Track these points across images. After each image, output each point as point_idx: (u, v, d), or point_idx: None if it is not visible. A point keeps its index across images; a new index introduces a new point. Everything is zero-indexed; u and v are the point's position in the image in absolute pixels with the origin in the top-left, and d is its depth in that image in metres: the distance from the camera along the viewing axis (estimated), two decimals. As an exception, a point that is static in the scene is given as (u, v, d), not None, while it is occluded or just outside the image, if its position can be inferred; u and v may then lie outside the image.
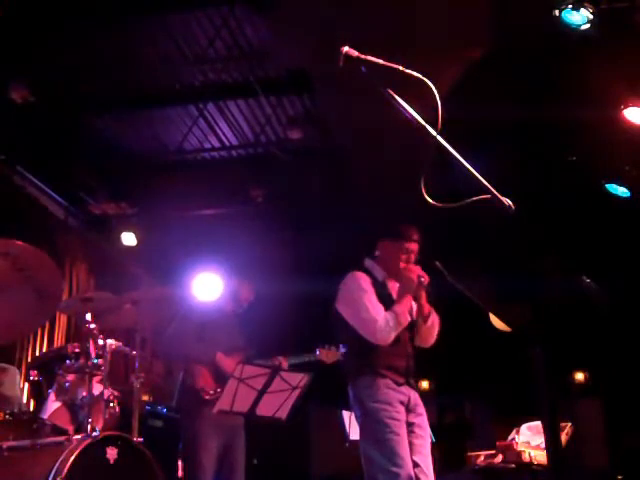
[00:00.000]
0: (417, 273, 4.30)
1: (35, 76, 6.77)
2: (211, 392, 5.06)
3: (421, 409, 4.33)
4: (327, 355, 5.56)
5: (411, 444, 4.15)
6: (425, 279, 4.30)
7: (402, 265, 4.37)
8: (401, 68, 2.20)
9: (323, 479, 8.92)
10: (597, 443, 9.25)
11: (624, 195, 6.89)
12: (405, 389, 4.27)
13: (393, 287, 4.45)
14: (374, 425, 4.14)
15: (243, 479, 5.21)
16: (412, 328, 4.42)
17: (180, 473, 5.25)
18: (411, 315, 4.36)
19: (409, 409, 4.25)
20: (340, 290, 4.44)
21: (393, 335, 4.22)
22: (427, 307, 4.43)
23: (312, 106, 7.72)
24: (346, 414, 6.64)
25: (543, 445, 5.79)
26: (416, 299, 4.39)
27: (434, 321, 4.49)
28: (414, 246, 4.44)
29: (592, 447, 9.03)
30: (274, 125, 8.12)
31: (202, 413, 5.02)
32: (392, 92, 2.23)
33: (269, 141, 8.36)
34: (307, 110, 7.81)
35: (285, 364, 5.41)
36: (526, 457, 5.71)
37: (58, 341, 8.03)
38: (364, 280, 4.39)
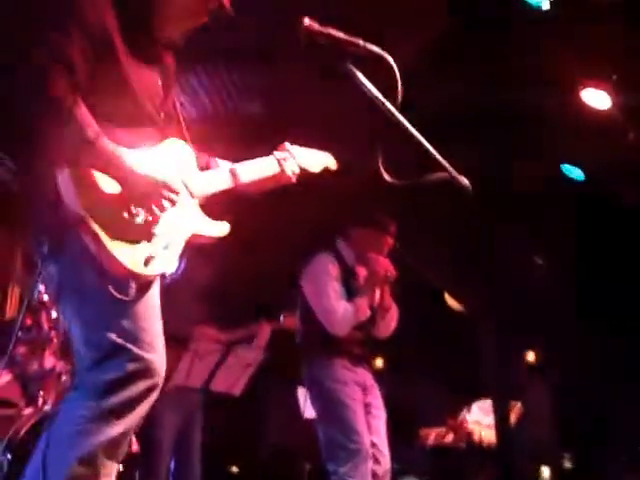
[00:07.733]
0: (385, 267, 4.30)
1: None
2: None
3: (376, 390, 4.39)
4: (293, 322, 5.34)
5: (368, 424, 4.20)
6: (392, 274, 4.30)
7: (372, 255, 4.37)
8: (362, 43, 2.17)
9: (278, 455, 8.93)
10: (546, 423, 9.39)
11: (579, 178, 6.95)
12: (360, 370, 4.32)
13: (361, 273, 4.45)
14: (331, 404, 4.18)
15: (199, 457, 5.15)
16: (372, 318, 4.43)
17: (135, 448, 5.16)
18: (371, 308, 4.36)
19: (365, 390, 4.30)
20: (307, 270, 4.43)
21: (349, 328, 4.23)
22: (389, 301, 4.45)
23: (273, 79, 7.63)
24: (301, 391, 6.58)
25: (493, 424, 5.85)
26: (380, 291, 4.39)
27: (393, 315, 4.51)
28: (391, 241, 4.46)
29: (541, 427, 9.16)
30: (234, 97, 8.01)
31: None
32: (353, 67, 2.20)
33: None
34: (268, 83, 7.71)
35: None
36: (476, 436, 5.77)
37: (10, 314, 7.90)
38: (332, 265, 4.37)
